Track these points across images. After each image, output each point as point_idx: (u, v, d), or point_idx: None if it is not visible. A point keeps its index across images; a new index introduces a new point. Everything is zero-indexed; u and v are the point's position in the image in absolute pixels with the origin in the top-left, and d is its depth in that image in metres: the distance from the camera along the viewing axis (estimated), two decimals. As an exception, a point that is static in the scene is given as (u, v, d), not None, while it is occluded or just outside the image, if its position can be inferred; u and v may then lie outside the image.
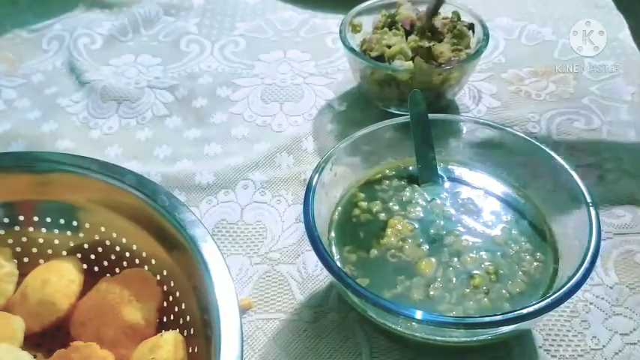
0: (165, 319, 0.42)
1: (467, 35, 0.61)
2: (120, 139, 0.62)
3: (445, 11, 0.63)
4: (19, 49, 0.75)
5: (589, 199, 0.40)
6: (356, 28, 0.64)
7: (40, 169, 0.44)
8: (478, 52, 0.58)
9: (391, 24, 0.62)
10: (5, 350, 0.37)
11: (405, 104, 0.60)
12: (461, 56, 0.59)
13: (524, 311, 0.34)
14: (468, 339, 0.37)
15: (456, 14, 0.63)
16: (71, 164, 0.44)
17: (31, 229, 0.45)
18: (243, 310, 0.45)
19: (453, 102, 0.64)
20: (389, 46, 0.59)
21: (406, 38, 0.61)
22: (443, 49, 0.58)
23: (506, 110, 0.63)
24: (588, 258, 0.36)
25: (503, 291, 0.39)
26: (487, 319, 0.34)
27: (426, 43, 0.59)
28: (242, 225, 0.52)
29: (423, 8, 0.64)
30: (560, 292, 0.35)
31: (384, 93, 0.59)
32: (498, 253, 0.41)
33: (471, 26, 0.62)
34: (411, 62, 0.58)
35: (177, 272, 0.41)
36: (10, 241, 0.45)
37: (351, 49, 0.59)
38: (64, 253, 0.45)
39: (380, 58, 0.59)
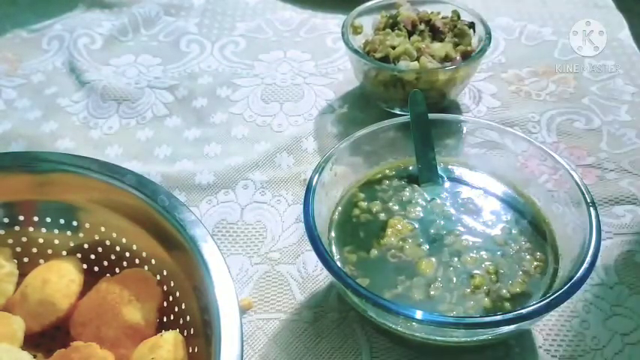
0: (165, 319, 0.42)
1: (468, 34, 0.61)
2: (120, 139, 0.62)
3: (445, 10, 0.64)
4: (19, 49, 0.75)
5: (589, 199, 0.40)
6: (357, 30, 0.64)
7: (40, 169, 0.44)
8: (482, 51, 0.58)
9: (393, 25, 0.62)
10: (5, 350, 0.37)
11: (390, 103, 0.61)
12: (465, 54, 0.59)
13: (524, 311, 0.34)
14: (468, 339, 0.37)
15: (456, 13, 0.63)
16: (71, 164, 0.44)
17: (31, 229, 0.45)
18: (243, 310, 0.45)
19: (453, 102, 0.64)
20: (393, 47, 0.59)
21: (409, 38, 0.61)
22: (446, 48, 0.59)
23: (506, 110, 0.63)
24: (588, 258, 0.36)
25: (504, 291, 0.39)
26: (487, 319, 0.35)
27: (428, 43, 0.59)
28: (242, 225, 0.52)
29: (423, 8, 0.64)
30: (560, 292, 0.35)
31: (388, 94, 0.59)
32: (498, 253, 0.41)
33: (472, 25, 0.62)
34: (416, 62, 0.58)
35: (177, 272, 0.41)
36: (10, 241, 0.45)
37: (355, 51, 0.59)
38: (64, 253, 0.45)
39: (384, 59, 0.59)
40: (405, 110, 0.60)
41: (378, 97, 0.62)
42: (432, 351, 0.42)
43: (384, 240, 0.43)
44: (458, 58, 0.59)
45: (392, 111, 0.61)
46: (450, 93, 0.60)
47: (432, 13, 0.63)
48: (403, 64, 0.58)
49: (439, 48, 0.59)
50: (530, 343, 0.43)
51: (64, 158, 0.45)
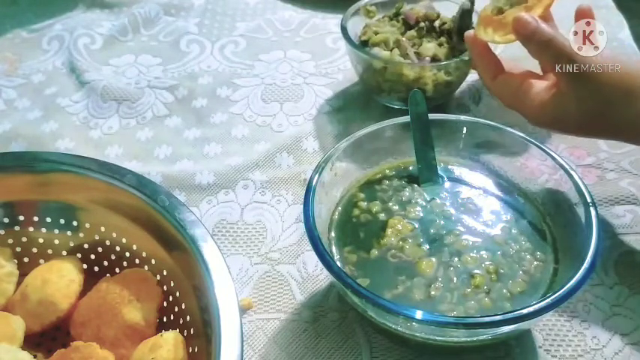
0: (165, 319, 0.42)
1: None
2: (120, 139, 0.62)
3: (446, 12, 0.64)
4: (19, 49, 0.75)
5: (589, 199, 0.40)
6: (369, 14, 0.65)
7: (40, 169, 0.44)
8: (456, 59, 0.58)
9: (395, 15, 0.63)
10: (5, 350, 0.37)
11: (383, 94, 0.61)
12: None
13: (524, 311, 0.34)
14: (468, 339, 0.37)
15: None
16: (71, 164, 0.44)
17: (31, 229, 0.45)
18: (243, 310, 0.45)
19: (453, 102, 0.64)
20: (377, 34, 0.60)
21: (404, 31, 0.61)
22: (429, 46, 0.59)
23: (506, 110, 0.63)
24: (588, 258, 0.36)
25: (504, 290, 0.39)
26: (487, 319, 0.34)
27: (417, 39, 0.60)
28: (242, 225, 0.52)
29: (439, 5, 0.64)
30: (560, 292, 0.35)
31: (377, 83, 0.60)
32: (498, 253, 0.41)
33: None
34: (388, 52, 0.58)
35: (177, 272, 0.41)
36: (10, 241, 0.45)
37: (344, 29, 0.60)
38: (64, 253, 0.45)
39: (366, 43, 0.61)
40: (399, 104, 0.60)
41: (371, 87, 0.62)
42: (432, 351, 0.42)
43: (384, 240, 0.43)
44: (426, 59, 0.58)
45: (391, 105, 0.61)
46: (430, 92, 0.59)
47: (439, 15, 0.62)
48: (376, 50, 0.58)
49: (430, 47, 0.59)
50: (530, 343, 0.43)
51: (64, 158, 0.45)
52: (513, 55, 0.69)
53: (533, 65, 0.68)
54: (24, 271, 0.43)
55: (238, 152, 0.59)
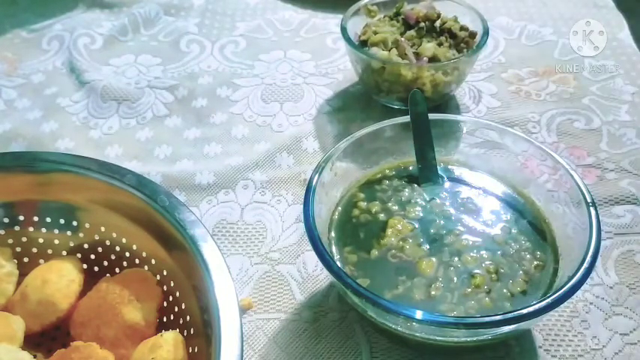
0: (165, 319, 0.42)
1: (464, 43, 0.61)
2: (120, 139, 0.62)
3: (446, 12, 0.64)
4: (19, 49, 0.75)
5: (589, 199, 0.40)
6: (370, 13, 0.65)
7: (40, 169, 0.44)
8: (453, 59, 0.58)
9: (396, 14, 0.63)
10: (5, 350, 0.37)
11: (382, 94, 0.61)
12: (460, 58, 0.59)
13: (524, 311, 0.34)
14: (468, 339, 0.37)
15: (455, 19, 0.63)
16: (71, 164, 0.44)
17: (31, 229, 0.45)
18: (243, 310, 0.45)
19: (453, 102, 0.64)
20: (376, 34, 0.60)
21: (404, 31, 0.61)
22: (428, 46, 0.59)
23: (506, 110, 0.63)
24: (588, 258, 0.36)
25: (504, 290, 0.39)
26: (487, 319, 0.34)
27: (417, 39, 0.60)
28: (242, 225, 0.52)
29: (441, 6, 0.64)
30: (560, 292, 0.35)
31: (375, 83, 0.60)
32: (498, 252, 0.41)
33: (473, 35, 0.62)
34: (386, 52, 0.58)
35: (177, 272, 0.41)
36: (10, 241, 0.45)
37: (343, 28, 0.60)
38: (64, 253, 0.45)
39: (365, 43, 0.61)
40: (398, 104, 0.60)
41: (370, 87, 0.62)
42: (432, 351, 0.42)
43: (384, 240, 0.43)
44: (424, 59, 0.58)
45: (390, 105, 0.62)
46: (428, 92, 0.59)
47: (439, 15, 0.63)
48: (374, 50, 0.58)
49: (429, 48, 0.59)
50: (530, 343, 0.43)
51: (64, 158, 0.45)
52: (517, 55, 0.70)
53: (535, 65, 0.69)
54: (24, 271, 0.43)
55: (238, 152, 0.59)
